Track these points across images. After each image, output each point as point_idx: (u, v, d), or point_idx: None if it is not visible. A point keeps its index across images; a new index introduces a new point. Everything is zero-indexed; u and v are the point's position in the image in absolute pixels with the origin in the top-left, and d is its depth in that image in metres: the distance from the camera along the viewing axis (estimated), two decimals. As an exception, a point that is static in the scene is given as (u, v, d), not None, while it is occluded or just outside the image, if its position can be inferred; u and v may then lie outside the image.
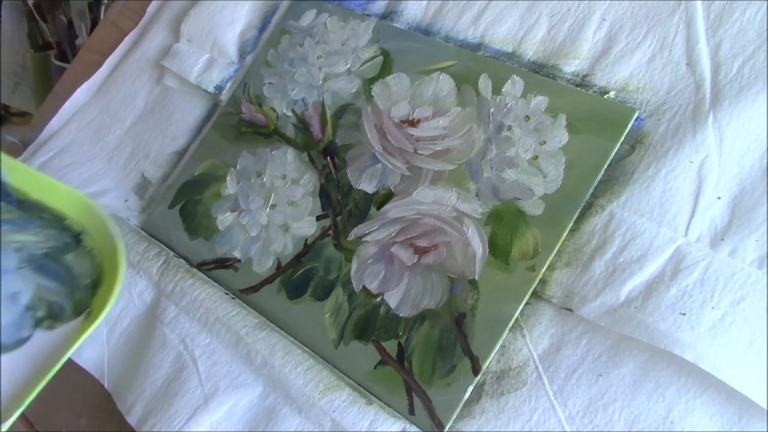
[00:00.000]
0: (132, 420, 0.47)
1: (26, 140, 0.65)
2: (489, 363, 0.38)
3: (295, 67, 0.53)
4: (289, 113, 0.52)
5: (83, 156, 0.61)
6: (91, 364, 0.51)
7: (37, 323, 0.38)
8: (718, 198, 0.35)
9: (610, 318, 0.35)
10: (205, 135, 0.56)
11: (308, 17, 0.55)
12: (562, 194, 0.39)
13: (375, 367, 0.41)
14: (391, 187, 0.45)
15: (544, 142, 0.41)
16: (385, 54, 0.49)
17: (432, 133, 0.45)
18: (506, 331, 0.38)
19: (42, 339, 0.37)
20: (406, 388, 0.39)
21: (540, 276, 0.38)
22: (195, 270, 0.50)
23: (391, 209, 0.44)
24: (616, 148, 0.39)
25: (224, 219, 0.51)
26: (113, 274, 0.39)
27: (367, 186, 0.46)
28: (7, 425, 0.34)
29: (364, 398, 0.40)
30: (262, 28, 0.58)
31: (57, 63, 0.83)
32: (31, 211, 0.40)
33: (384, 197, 0.45)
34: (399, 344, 0.41)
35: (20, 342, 0.37)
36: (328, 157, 0.48)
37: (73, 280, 0.40)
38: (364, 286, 0.43)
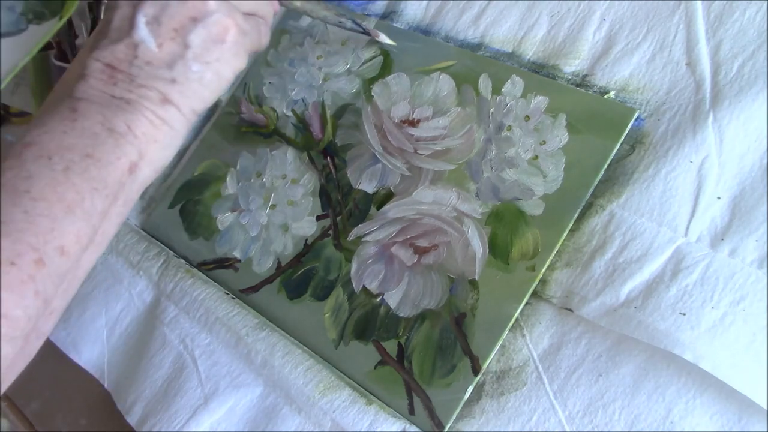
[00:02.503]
0: (132, 420, 0.47)
1: (26, 140, 0.65)
2: (489, 363, 0.38)
3: (295, 67, 0.53)
4: (289, 113, 0.52)
5: (83, 156, 0.61)
6: (91, 364, 0.51)
7: (29, 22, 0.63)
8: (718, 198, 0.35)
9: (610, 318, 0.35)
10: (205, 135, 0.56)
11: (308, 17, 0.55)
12: (562, 194, 0.39)
13: (375, 367, 0.41)
14: (391, 187, 0.45)
15: (544, 142, 0.41)
16: (385, 54, 0.49)
17: (432, 133, 0.45)
18: (506, 331, 0.38)
19: (34, 29, 0.63)
20: (406, 388, 0.39)
21: (540, 276, 0.38)
22: (195, 270, 0.50)
23: (391, 209, 0.44)
24: (616, 148, 0.39)
25: (224, 219, 0.51)
26: None
27: (367, 186, 0.46)
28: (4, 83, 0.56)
29: (364, 398, 0.40)
30: (262, 28, 0.58)
31: (57, 63, 0.83)
32: None
33: (384, 197, 0.45)
34: (399, 344, 0.41)
35: (21, 31, 0.63)
36: (328, 157, 0.48)
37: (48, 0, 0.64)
38: (364, 286, 0.43)
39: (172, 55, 0.34)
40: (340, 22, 0.47)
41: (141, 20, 0.34)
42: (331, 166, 0.48)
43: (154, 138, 0.35)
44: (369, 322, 0.42)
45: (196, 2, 0.34)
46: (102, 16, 0.71)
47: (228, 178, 0.52)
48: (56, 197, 0.31)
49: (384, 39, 0.48)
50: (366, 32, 0.48)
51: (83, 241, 0.32)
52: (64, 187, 0.31)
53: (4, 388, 0.31)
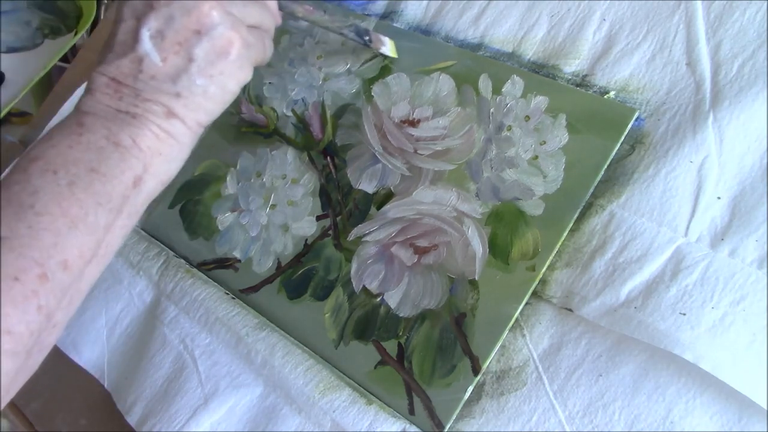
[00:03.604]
0: (132, 420, 0.47)
1: (26, 140, 0.65)
2: (489, 363, 0.38)
3: (295, 67, 0.53)
4: (289, 113, 0.52)
5: (83, 156, 0.61)
6: (91, 364, 0.51)
7: (45, 36, 0.69)
8: (718, 198, 0.35)
9: (610, 318, 0.35)
10: (205, 135, 0.56)
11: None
12: (562, 194, 0.39)
13: (375, 367, 0.41)
14: (391, 187, 0.45)
15: (544, 142, 0.41)
16: (385, 54, 0.49)
17: (432, 133, 0.45)
18: (506, 331, 0.38)
19: (50, 43, 0.68)
20: (406, 388, 0.39)
21: (540, 276, 0.38)
22: (195, 270, 0.50)
23: (391, 209, 0.44)
24: (616, 148, 0.39)
25: (224, 219, 0.51)
26: (89, 12, 0.69)
27: (367, 186, 0.46)
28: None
29: (364, 398, 0.40)
30: (262, 28, 0.58)
31: (57, 63, 0.83)
32: None
33: (384, 197, 0.45)
34: (399, 344, 0.41)
35: (36, 45, 0.68)
36: (328, 157, 0.48)
37: (63, 15, 0.70)
38: (364, 286, 0.43)
39: (176, 69, 0.34)
40: (341, 32, 0.47)
41: (145, 34, 0.34)
42: (331, 166, 0.48)
43: (159, 151, 0.35)
44: (369, 322, 0.42)
45: (200, 15, 0.34)
46: (102, 17, 0.71)
47: (228, 178, 0.52)
48: (60, 212, 0.31)
49: (386, 51, 0.48)
50: (366, 44, 0.47)
51: (86, 255, 0.32)
52: (69, 201, 0.31)
53: (6, 402, 0.31)
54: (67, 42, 0.67)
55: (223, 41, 0.35)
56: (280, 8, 0.42)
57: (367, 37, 0.47)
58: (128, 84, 0.34)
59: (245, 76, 0.37)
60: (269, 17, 0.39)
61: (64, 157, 0.32)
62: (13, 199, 0.31)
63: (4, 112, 0.65)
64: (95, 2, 0.69)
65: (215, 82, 0.35)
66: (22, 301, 0.29)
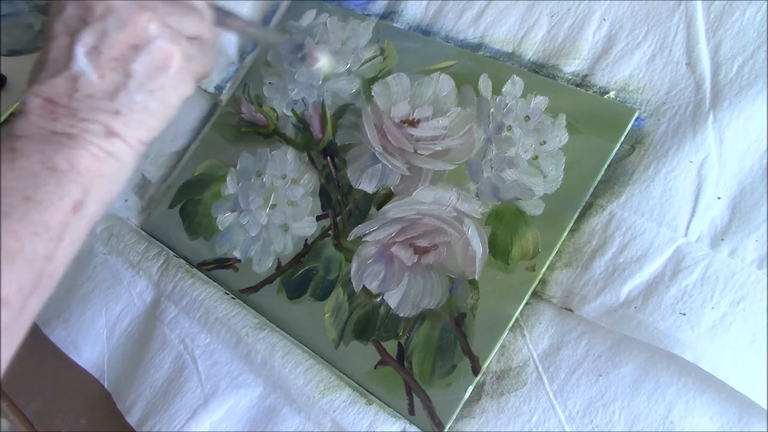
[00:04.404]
0: (132, 420, 0.47)
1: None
2: (489, 363, 0.38)
3: (295, 67, 0.53)
4: (289, 113, 0.52)
5: (83, 156, 0.61)
6: (91, 364, 0.51)
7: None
8: (718, 198, 0.35)
9: (610, 318, 0.35)
10: (205, 135, 0.56)
11: (308, 17, 0.55)
12: (562, 194, 0.39)
13: (375, 367, 0.41)
14: (391, 187, 0.45)
15: (544, 142, 0.41)
16: (386, 55, 0.49)
17: (432, 133, 0.45)
18: (506, 331, 0.38)
19: None
20: (406, 388, 0.39)
21: (540, 276, 0.38)
22: (195, 270, 0.50)
23: (391, 209, 0.44)
24: (616, 148, 0.39)
25: (224, 219, 0.51)
26: None
27: (367, 186, 0.46)
28: None
29: (364, 398, 0.40)
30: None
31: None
32: None
33: (384, 197, 0.45)
34: (399, 344, 0.41)
35: (38, 49, 0.60)
36: (328, 157, 0.48)
37: None
38: (364, 286, 0.43)
39: (114, 86, 0.32)
40: (276, 48, 0.45)
41: (80, 51, 0.32)
42: (331, 166, 0.48)
43: (99, 173, 0.33)
44: (369, 322, 0.42)
45: (136, 29, 0.32)
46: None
47: (228, 178, 0.52)
48: None
49: (318, 69, 0.47)
50: (301, 59, 0.46)
51: (26, 289, 0.30)
52: (4, 235, 0.30)
53: None
54: None
55: (162, 55, 0.33)
56: (216, 22, 0.40)
57: (300, 54, 0.46)
58: (63, 104, 0.32)
59: (187, 89, 0.35)
60: (207, 26, 0.37)
61: None
62: None
63: (5, 115, 0.65)
64: None
65: (156, 97, 0.34)
66: None
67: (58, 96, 0.32)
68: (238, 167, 0.52)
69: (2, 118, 0.66)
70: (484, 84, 0.44)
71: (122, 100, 0.33)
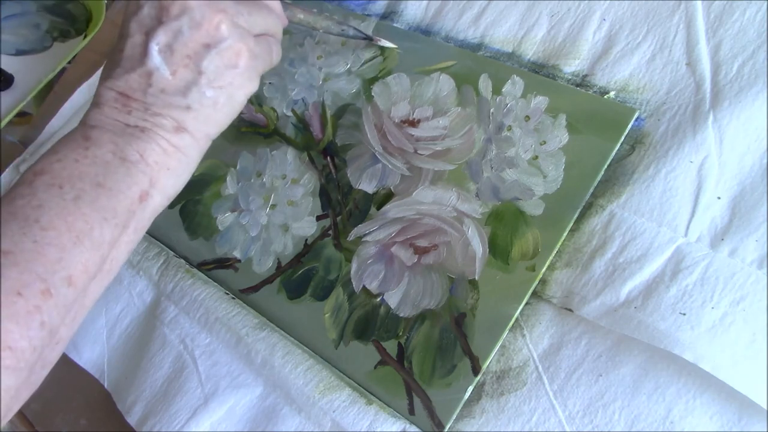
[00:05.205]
0: (132, 420, 0.47)
1: (26, 140, 0.65)
2: (489, 363, 0.38)
3: (295, 67, 0.53)
4: (289, 113, 0.52)
5: (83, 156, 0.61)
6: (91, 364, 0.51)
7: (54, 39, 0.69)
8: (718, 198, 0.35)
9: (610, 318, 0.35)
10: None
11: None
12: (562, 194, 0.39)
13: (375, 367, 0.41)
14: (391, 187, 0.45)
15: (544, 142, 0.41)
16: (386, 55, 0.49)
17: (432, 133, 0.45)
18: (506, 331, 0.38)
19: (59, 46, 0.68)
20: (406, 388, 0.39)
21: (540, 276, 0.38)
22: (195, 270, 0.50)
23: (391, 209, 0.44)
24: (616, 148, 0.39)
25: (224, 219, 0.51)
26: (98, 15, 0.69)
27: (367, 186, 0.46)
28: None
29: (364, 398, 0.40)
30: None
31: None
32: None
33: (384, 197, 0.45)
34: (399, 344, 0.41)
35: (45, 48, 0.69)
36: (328, 157, 0.48)
37: (73, 18, 0.70)
38: (364, 286, 0.43)
39: (186, 82, 0.34)
40: (342, 30, 0.47)
41: (154, 48, 0.34)
42: (331, 166, 0.48)
43: (166, 166, 0.35)
44: (369, 322, 0.42)
45: (209, 29, 0.34)
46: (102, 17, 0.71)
47: (228, 178, 0.52)
48: (66, 227, 0.31)
49: (386, 43, 0.48)
50: (368, 38, 0.48)
51: (91, 270, 0.32)
52: (74, 216, 0.31)
53: (8, 419, 0.31)
54: (76, 45, 0.68)
55: (232, 53, 0.35)
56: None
57: (364, 24, 0.48)
58: (137, 98, 0.34)
59: (253, 86, 0.37)
60: (275, 22, 0.39)
61: (70, 172, 0.32)
62: (17, 213, 0.31)
63: (12, 114, 0.65)
64: (104, 6, 0.70)
65: (225, 93, 0.35)
66: (24, 316, 0.29)
67: (132, 91, 0.34)
68: (238, 167, 0.52)
69: (9, 117, 0.66)
70: (484, 84, 0.44)
71: (193, 95, 0.35)
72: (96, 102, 0.35)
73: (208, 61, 0.34)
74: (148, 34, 0.34)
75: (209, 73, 0.34)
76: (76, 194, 0.32)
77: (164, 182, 0.35)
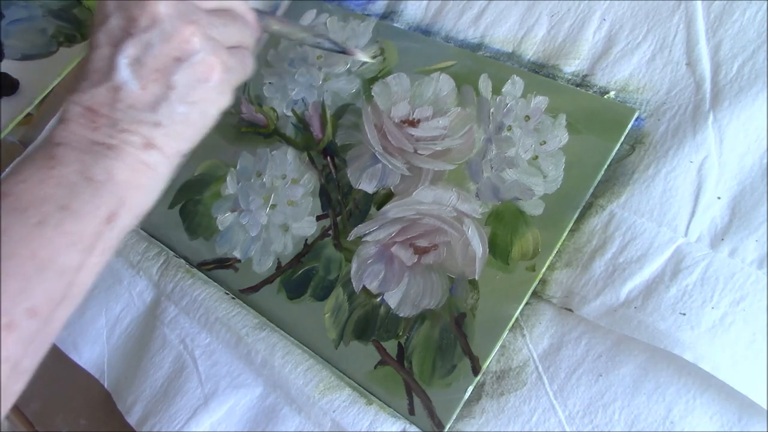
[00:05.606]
0: (132, 420, 0.47)
1: (26, 140, 0.65)
2: (489, 363, 0.38)
3: (295, 67, 0.53)
4: (289, 113, 0.52)
5: (83, 156, 0.61)
6: (91, 364, 0.51)
7: (60, 44, 0.69)
8: (718, 198, 0.35)
9: (610, 318, 0.35)
10: (205, 135, 0.56)
11: (308, 17, 0.55)
12: (562, 194, 0.39)
13: (375, 367, 0.41)
14: (391, 187, 0.45)
15: (544, 142, 0.41)
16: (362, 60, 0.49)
17: (432, 133, 0.45)
18: (506, 331, 0.38)
19: (64, 51, 0.68)
20: (406, 388, 0.39)
21: (540, 276, 0.38)
22: (195, 270, 0.50)
23: (391, 209, 0.44)
24: (616, 148, 0.39)
25: (224, 219, 0.51)
26: None
27: (367, 186, 0.46)
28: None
29: (364, 398, 0.40)
30: (262, 28, 0.58)
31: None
32: None
33: (384, 197, 0.45)
34: (399, 344, 0.41)
35: (51, 53, 0.69)
36: (328, 157, 0.48)
37: (78, 23, 0.71)
38: (364, 286, 0.43)
39: (155, 97, 0.32)
40: (318, 43, 0.45)
41: (122, 62, 0.32)
42: (331, 166, 0.48)
43: (136, 184, 0.33)
44: (369, 322, 0.42)
45: (180, 42, 0.32)
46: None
47: (228, 178, 0.52)
48: (29, 254, 0.29)
49: (361, 57, 0.47)
50: (344, 51, 0.46)
51: (56, 298, 0.30)
52: (38, 243, 0.29)
53: None
54: (82, 50, 0.68)
55: (204, 67, 0.33)
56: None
57: (340, 49, 0.46)
58: (104, 113, 0.32)
59: (226, 100, 0.35)
60: (249, 33, 0.37)
61: (34, 194, 0.30)
62: None
63: (18, 119, 0.65)
64: None
65: (196, 108, 0.34)
66: None
67: (99, 105, 0.32)
68: (238, 167, 0.52)
69: (15, 123, 0.66)
70: (484, 84, 0.44)
71: (163, 111, 0.33)
72: (62, 117, 0.33)
73: (179, 75, 0.32)
74: (117, 46, 0.32)
75: (180, 87, 0.32)
76: (40, 218, 0.30)
77: (133, 201, 0.33)
